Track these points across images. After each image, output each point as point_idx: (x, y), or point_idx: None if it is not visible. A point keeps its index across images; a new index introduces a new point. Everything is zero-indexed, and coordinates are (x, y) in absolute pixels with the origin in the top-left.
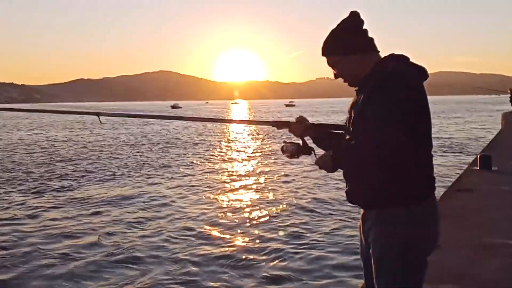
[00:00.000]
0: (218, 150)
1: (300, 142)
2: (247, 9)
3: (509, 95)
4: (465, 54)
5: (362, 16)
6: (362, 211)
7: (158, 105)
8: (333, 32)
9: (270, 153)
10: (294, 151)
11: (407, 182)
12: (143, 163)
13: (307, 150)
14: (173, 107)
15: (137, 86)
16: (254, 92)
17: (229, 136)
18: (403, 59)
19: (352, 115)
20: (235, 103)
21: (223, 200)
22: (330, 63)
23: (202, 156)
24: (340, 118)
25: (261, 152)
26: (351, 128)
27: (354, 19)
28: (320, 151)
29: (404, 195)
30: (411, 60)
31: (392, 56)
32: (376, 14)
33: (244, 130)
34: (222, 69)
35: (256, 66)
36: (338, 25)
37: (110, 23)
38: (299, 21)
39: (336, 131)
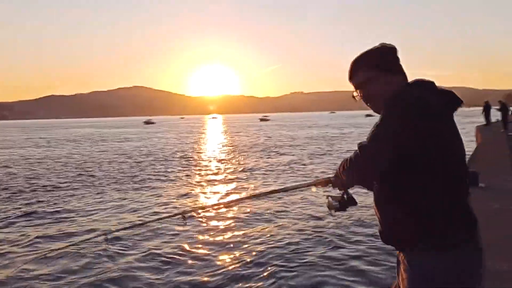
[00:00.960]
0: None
1: (344, 194)
2: (221, 23)
3: (482, 108)
4: (436, 68)
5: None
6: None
7: (132, 120)
8: (370, 51)
9: (242, 170)
10: (338, 207)
11: (428, 225)
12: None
13: (351, 202)
14: (147, 122)
15: (111, 102)
16: (229, 107)
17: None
18: (425, 85)
19: None
20: (214, 117)
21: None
22: (359, 81)
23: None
24: (313, 131)
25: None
26: None
27: (390, 47)
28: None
29: (427, 239)
30: (438, 86)
31: (415, 81)
32: (346, 24)
33: (219, 147)
34: (196, 84)
35: (231, 81)
36: (371, 49)
37: (82, 38)
38: (274, 36)
39: None
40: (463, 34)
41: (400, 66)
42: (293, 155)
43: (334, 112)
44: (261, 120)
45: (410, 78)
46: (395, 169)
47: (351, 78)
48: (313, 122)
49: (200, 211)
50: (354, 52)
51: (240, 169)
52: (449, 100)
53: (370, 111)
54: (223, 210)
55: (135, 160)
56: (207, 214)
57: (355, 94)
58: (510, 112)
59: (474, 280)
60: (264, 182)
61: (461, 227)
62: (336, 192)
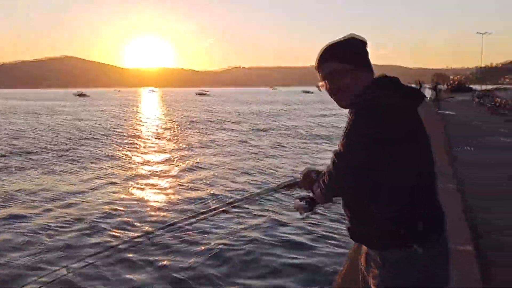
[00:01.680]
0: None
1: (311, 194)
2: None
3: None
4: (371, 47)
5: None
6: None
7: (61, 93)
8: (339, 43)
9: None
10: (307, 208)
11: (399, 222)
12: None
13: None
14: (79, 95)
15: (39, 73)
16: (167, 80)
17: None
18: (390, 85)
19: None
20: (152, 91)
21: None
22: (328, 72)
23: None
24: (253, 108)
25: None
26: None
27: (361, 41)
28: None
29: (399, 237)
30: (401, 82)
31: (379, 81)
32: (288, 6)
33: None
34: (131, 56)
35: (169, 53)
36: (344, 39)
37: (6, 3)
38: (214, 9)
39: None
40: (396, 14)
41: (369, 61)
42: (237, 131)
43: (275, 88)
44: (199, 94)
45: None
46: (370, 171)
47: (319, 67)
48: (255, 98)
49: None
50: (295, 28)
51: (183, 147)
52: (414, 98)
53: (307, 88)
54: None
55: (69, 137)
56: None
57: (320, 84)
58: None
59: (447, 275)
60: (210, 160)
61: (433, 223)
62: (303, 194)
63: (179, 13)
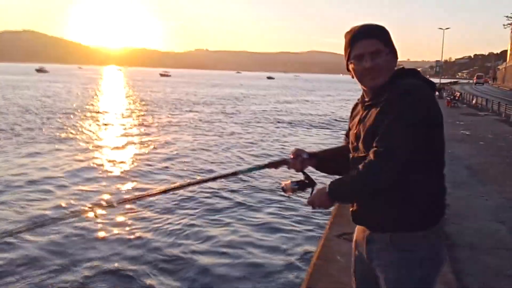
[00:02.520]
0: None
1: (302, 176)
2: None
3: None
4: (335, 36)
5: None
6: (360, 227)
7: (21, 67)
8: (380, 25)
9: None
10: (296, 189)
11: (423, 205)
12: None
13: (311, 183)
14: (39, 70)
15: None
16: (131, 59)
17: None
18: (416, 74)
19: (360, 131)
20: (119, 69)
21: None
22: (368, 49)
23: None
24: (214, 91)
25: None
26: (361, 145)
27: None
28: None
29: (420, 218)
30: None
31: (405, 70)
32: None
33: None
34: (95, 33)
35: (133, 33)
36: (379, 25)
37: None
38: None
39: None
40: (360, 8)
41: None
42: (199, 112)
43: (240, 72)
44: (162, 75)
45: (310, 46)
46: (421, 154)
47: (356, 41)
48: (220, 81)
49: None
50: (262, 14)
51: (150, 125)
52: (434, 89)
53: (271, 74)
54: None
55: (30, 113)
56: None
57: (352, 64)
58: None
59: (444, 256)
60: (176, 140)
61: (443, 206)
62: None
63: None
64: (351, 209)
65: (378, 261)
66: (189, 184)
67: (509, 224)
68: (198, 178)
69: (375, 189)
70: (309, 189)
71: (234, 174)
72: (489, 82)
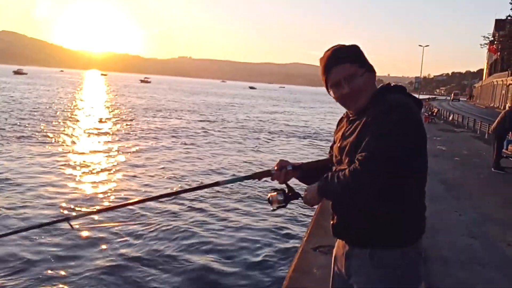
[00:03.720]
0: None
1: (285, 188)
2: None
3: None
4: (319, 49)
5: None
6: (340, 242)
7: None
8: (350, 46)
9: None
10: (282, 201)
11: (403, 222)
12: None
13: (294, 196)
14: (17, 72)
15: None
16: (113, 65)
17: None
18: (403, 90)
19: (343, 145)
20: (104, 74)
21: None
22: (345, 73)
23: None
24: (195, 99)
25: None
26: (345, 158)
27: (358, 46)
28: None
29: (399, 235)
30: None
31: (391, 87)
32: (237, 5)
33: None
34: (77, 37)
35: (115, 38)
36: (344, 46)
37: None
38: None
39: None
40: (340, 19)
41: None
42: (181, 119)
43: (225, 81)
44: (142, 81)
45: (295, 58)
46: (406, 165)
47: (329, 71)
48: (200, 89)
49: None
50: (246, 24)
51: (129, 132)
52: (419, 106)
53: (253, 84)
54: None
55: (11, 116)
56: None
57: (332, 93)
58: None
59: (421, 274)
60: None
61: (423, 224)
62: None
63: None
64: (331, 222)
65: (357, 278)
66: (168, 194)
67: (482, 239)
68: (176, 188)
69: (356, 192)
70: (294, 201)
71: (216, 184)
72: (462, 99)
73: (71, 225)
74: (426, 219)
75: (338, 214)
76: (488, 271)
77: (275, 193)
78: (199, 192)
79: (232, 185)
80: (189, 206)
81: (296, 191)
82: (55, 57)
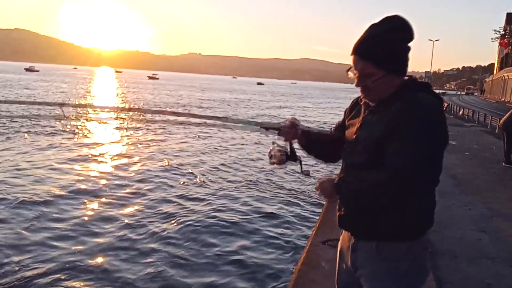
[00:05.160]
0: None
1: (288, 147)
2: None
3: None
4: (325, 45)
5: None
6: (345, 235)
7: (10, 65)
8: (384, 36)
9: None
10: (283, 160)
11: (413, 217)
12: None
13: (294, 158)
14: (28, 69)
15: None
16: (124, 62)
17: None
18: (429, 89)
19: (363, 135)
20: (118, 71)
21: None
22: (363, 69)
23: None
24: (206, 94)
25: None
26: (362, 151)
27: (410, 30)
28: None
29: (409, 229)
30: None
31: (419, 83)
32: (245, 2)
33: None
34: (87, 34)
35: (125, 35)
36: (390, 27)
37: None
38: None
39: (328, 140)
40: (345, 18)
41: (406, 64)
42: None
43: (236, 78)
44: (150, 78)
45: (302, 53)
46: (434, 165)
47: (354, 54)
48: (210, 85)
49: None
50: (255, 20)
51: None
52: (441, 102)
53: (261, 80)
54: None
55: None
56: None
57: (351, 73)
58: None
59: (429, 266)
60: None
61: (432, 218)
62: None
63: None
64: (338, 213)
65: (363, 271)
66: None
67: (491, 233)
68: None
69: (382, 205)
70: (293, 163)
71: (224, 119)
72: (475, 93)
73: (63, 113)
74: (434, 213)
75: (345, 206)
76: (497, 266)
77: (278, 150)
78: (207, 183)
79: (241, 178)
80: (196, 199)
81: (298, 154)
82: (67, 54)
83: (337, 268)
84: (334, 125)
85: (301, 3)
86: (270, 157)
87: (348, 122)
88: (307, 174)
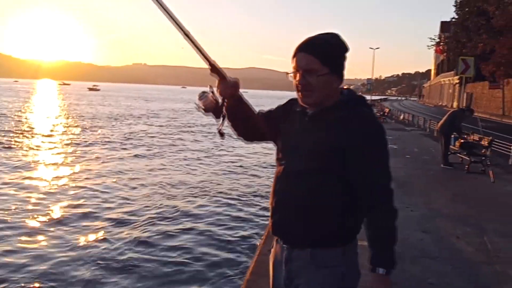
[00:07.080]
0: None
1: (220, 100)
2: None
3: None
4: (273, 54)
5: None
6: (277, 248)
7: None
8: (329, 40)
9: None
10: (211, 107)
11: (344, 222)
12: None
13: (219, 112)
14: None
15: None
16: (66, 73)
17: None
18: (367, 103)
19: (299, 143)
20: (64, 83)
21: None
22: (307, 66)
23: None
24: (150, 106)
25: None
26: (306, 159)
27: (346, 44)
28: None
29: (340, 234)
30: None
31: (359, 98)
32: (190, 11)
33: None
34: (26, 46)
35: (67, 46)
36: (333, 36)
37: None
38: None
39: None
40: (297, 28)
41: (343, 69)
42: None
43: (185, 87)
44: (90, 89)
45: (249, 63)
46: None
47: (297, 54)
48: (155, 95)
49: None
50: (201, 29)
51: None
52: None
53: (206, 89)
54: None
55: None
56: None
57: (290, 73)
58: None
59: (359, 271)
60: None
61: (360, 223)
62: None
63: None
64: (271, 220)
65: (299, 280)
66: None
67: (433, 233)
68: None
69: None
70: (216, 117)
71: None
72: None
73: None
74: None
75: (279, 212)
76: (438, 264)
77: (212, 96)
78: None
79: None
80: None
81: (224, 112)
82: (4, 66)
83: (270, 282)
84: (263, 111)
85: (247, 13)
86: (200, 97)
87: (283, 126)
88: (222, 134)
